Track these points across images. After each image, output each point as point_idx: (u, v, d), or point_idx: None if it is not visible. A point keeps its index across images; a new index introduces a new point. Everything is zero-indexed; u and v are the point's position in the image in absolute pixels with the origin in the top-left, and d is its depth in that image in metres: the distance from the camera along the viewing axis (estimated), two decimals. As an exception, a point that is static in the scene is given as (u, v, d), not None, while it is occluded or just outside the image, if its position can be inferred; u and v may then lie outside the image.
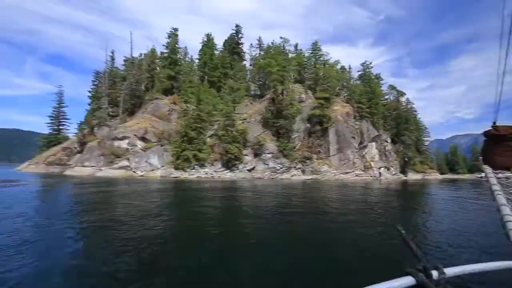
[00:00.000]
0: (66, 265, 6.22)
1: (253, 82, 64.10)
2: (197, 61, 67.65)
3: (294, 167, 47.19)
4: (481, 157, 2.82)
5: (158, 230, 9.37)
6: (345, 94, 66.55)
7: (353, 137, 54.32)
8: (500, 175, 2.51)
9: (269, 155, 46.48)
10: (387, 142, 65.58)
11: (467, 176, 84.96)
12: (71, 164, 44.75)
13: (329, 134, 51.24)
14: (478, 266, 0.91)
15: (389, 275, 0.66)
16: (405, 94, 73.02)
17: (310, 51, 69.03)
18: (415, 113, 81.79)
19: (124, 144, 45.00)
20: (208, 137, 49.25)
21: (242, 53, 70.42)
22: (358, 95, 62.10)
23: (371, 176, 55.28)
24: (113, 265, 6.08)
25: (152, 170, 42.71)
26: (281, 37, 66.97)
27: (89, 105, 60.41)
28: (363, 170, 53.97)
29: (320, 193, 25.64)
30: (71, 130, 64.08)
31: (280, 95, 50.58)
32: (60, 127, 64.05)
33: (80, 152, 46.89)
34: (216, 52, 66.96)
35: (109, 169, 41.09)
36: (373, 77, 69.77)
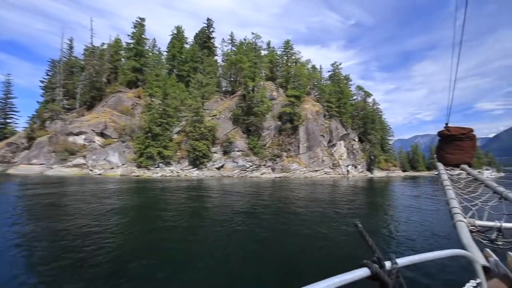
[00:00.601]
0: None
1: (224, 78, 62.52)
2: (165, 53, 64.45)
3: (264, 165, 46.61)
4: (435, 155, 3.18)
5: (108, 240, 8.00)
6: (316, 94, 67.53)
7: (323, 136, 55.13)
8: (450, 171, 2.85)
9: (239, 153, 45.41)
10: (355, 140, 67.69)
11: (426, 173, 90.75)
12: (16, 162, 39.93)
13: (299, 132, 51.41)
14: (427, 255, 0.99)
15: (348, 268, 0.69)
16: (371, 95, 76.00)
17: (282, 50, 69.10)
18: (380, 113, 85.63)
19: (80, 140, 41.22)
20: (175, 133, 46.94)
21: (214, 48, 68.38)
22: (328, 95, 63.20)
23: (339, 174, 56.55)
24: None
25: (112, 168, 39.55)
26: (252, 33, 66.00)
27: (42, 96, 54.63)
28: (331, 168, 54.98)
29: (288, 191, 25.08)
30: (20, 124, 57.86)
31: (251, 92, 49.64)
32: (7, 120, 57.43)
33: (28, 148, 42.08)
34: (187, 46, 64.30)
35: (61, 167, 37.26)
36: (342, 77, 71.62)
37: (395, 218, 12.83)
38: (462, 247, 1.39)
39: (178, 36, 63.96)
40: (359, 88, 75.15)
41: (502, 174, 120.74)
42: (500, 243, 1.67)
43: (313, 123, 53.73)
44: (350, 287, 0.66)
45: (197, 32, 68.54)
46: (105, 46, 59.18)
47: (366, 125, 71.77)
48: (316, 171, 50.89)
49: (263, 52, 68.51)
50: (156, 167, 41.85)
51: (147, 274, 5.71)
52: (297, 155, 50.15)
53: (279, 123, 51.39)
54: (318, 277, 0.58)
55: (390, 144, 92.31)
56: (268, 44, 75.58)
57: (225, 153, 45.24)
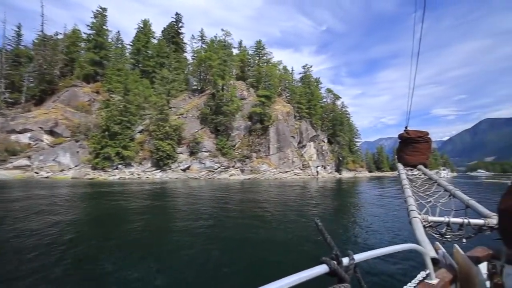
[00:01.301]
0: None
1: (193, 75, 60.07)
2: (130, 48, 60.27)
3: (233, 166, 45.14)
4: (396, 156, 3.56)
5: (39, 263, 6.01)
6: (287, 95, 67.65)
7: (293, 137, 55.06)
8: (408, 172, 3.11)
9: (206, 154, 43.45)
10: (324, 142, 68.88)
11: (390, 173, 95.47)
12: None
13: (270, 132, 50.74)
14: (383, 250, 1.06)
15: (310, 265, 0.70)
16: (340, 97, 78.18)
17: (254, 50, 68.33)
18: (349, 116, 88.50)
19: (24, 138, 36.48)
20: (138, 132, 43.72)
21: (183, 44, 65.50)
22: (298, 96, 63.54)
23: (309, 175, 56.87)
24: None
25: (62, 170, 35.48)
26: (222, 29, 64.34)
27: (-19, 89, 47.94)
28: (301, 169, 55.07)
29: (257, 193, 23.91)
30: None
31: (221, 91, 47.97)
32: None
33: (-42, 147, 36.35)
34: (155, 41, 60.72)
35: (-1, 169, 32.57)
36: (312, 80, 72.65)
37: (358, 217, 13.25)
38: (417, 241, 1.53)
39: (144, 30, 60.20)
40: (329, 90, 76.91)
41: (455, 174, 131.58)
42: (448, 236, 1.85)
43: (284, 124, 53.42)
44: (311, 283, 0.67)
45: (165, 27, 65.23)
46: (60, 36, 53.79)
47: (335, 127, 73.46)
48: (286, 172, 50.53)
49: (234, 52, 67.27)
50: (114, 169, 38.45)
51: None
52: (267, 156, 49.39)
53: (249, 123, 50.28)
54: (280, 276, 0.60)
55: (357, 146, 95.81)
56: (240, 43, 74.65)
57: (192, 153, 43.02)
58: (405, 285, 1.39)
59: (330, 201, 19.86)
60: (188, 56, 67.43)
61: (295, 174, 52.50)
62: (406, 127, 3.37)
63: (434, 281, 1.43)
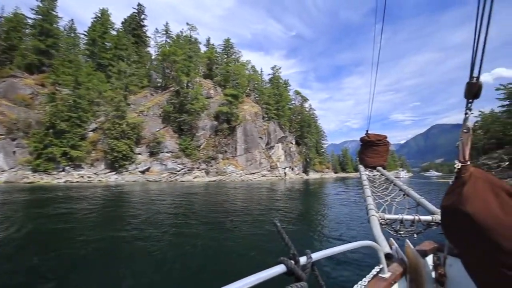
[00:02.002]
0: None
1: (156, 71, 56.40)
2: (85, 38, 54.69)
3: (197, 168, 42.79)
4: (357, 158, 3.83)
5: None
6: (256, 96, 66.78)
7: (261, 137, 54.15)
8: (368, 172, 3.36)
9: (168, 154, 40.60)
10: (292, 143, 69.12)
11: (354, 174, 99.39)
12: None
13: (237, 133, 49.21)
14: (340, 247, 1.13)
15: (270, 266, 0.72)
16: (308, 100, 79.25)
17: (222, 48, 66.49)
18: (316, 118, 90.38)
19: None
20: (91, 131, 39.47)
21: (145, 38, 61.33)
22: (267, 97, 62.98)
23: (276, 176, 56.34)
24: None
25: (-8, 173, 30.46)
26: (187, 23, 61.50)
27: None
28: (269, 170, 54.33)
29: (222, 196, 22.47)
30: None
31: (185, 88, 45.38)
32: None
33: None
34: (114, 33, 55.82)
35: None
36: (281, 81, 72.72)
37: (322, 217, 13.38)
38: (374, 237, 1.61)
39: (102, 19, 55.14)
40: (297, 92, 77.58)
41: (411, 174, 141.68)
42: (402, 232, 1.97)
43: (252, 125, 52.26)
44: (271, 283, 0.67)
45: (126, 18, 60.57)
46: (-1, 20, 46.96)
47: (303, 128, 74.22)
48: (254, 173, 49.36)
49: (202, 49, 64.84)
50: (60, 171, 34.07)
51: None
52: (234, 157, 47.78)
53: (216, 123, 48.27)
54: (240, 277, 0.61)
55: (324, 148, 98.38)
56: (208, 41, 72.25)
57: (152, 154, 39.88)
58: (361, 280, 1.51)
59: (296, 202, 19.48)
60: (152, 50, 63.52)
61: (263, 176, 51.57)
62: (367, 131, 3.62)
63: (387, 274, 1.55)
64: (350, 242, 1.27)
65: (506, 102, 53.32)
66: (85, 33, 53.69)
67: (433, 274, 1.92)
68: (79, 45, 53.99)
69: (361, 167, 3.48)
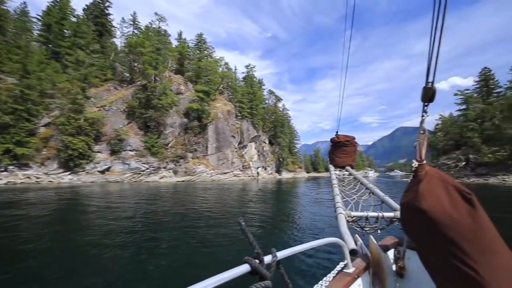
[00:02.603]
0: None
1: (122, 64, 52.41)
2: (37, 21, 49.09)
3: (165, 168, 40.20)
4: (328, 158, 3.94)
5: None
6: (230, 94, 65.12)
7: (233, 136, 52.65)
8: (338, 172, 3.53)
9: (132, 153, 37.59)
10: (265, 143, 68.47)
11: (325, 174, 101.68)
12: None
13: (208, 131, 47.24)
14: (306, 245, 1.18)
15: (236, 266, 0.72)
16: (282, 99, 79.17)
17: (195, 43, 63.93)
18: (289, 118, 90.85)
19: None
20: (43, 126, 35.22)
21: (110, 27, 56.84)
22: (240, 95, 61.66)
23: (249, 176, 55.21)
24: None
25: None
26: (156, 14, 58.10)
27: None
28: (241, 170, 53.04)
29: (191, 197, 20.89)
30: None
31: (153, 82, 42.49)
32: None
33: None
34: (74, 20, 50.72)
35: None
36: (255, 80, 71.81)
37: (292, 215, 13.32)
38: (340, 234, 1.66)
39: (60, 4, 49.96)
40: (271, 92, 77.20)
41: (378, 174, 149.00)
42: (367, 229, 2.04)
43: (224, 123, 50.57)
44: (236, 283, 0.67)
45: (88, 4, 55.64)
46: None
47: (276, 128, 73.97)
48: (225, 173, 47.74)
49: (174, 44, 61.75)
50: (2, 171, 29.83)
51: None
52: (205, 156, 45.77)
53: (186, 120, 45.87)
54: (203, 279, 0.61)
55: (297, 148, 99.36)
56: (180, 35, 69.14)
57: (113, 152, 36.62)
58: (326, 276, 1.56)
59: (267, 202, 19.02)
60: (118, 42, 59.10)
61: (235, 176, 50.13)
62: (337, 132, 3.81)
63: (351, 269, 1.60)
64: (316, 240, 1.31)
65: (463, 107, 57.35)
66: (39, 16, 48.26)
67: (394, 267, 2.01)
68: (32, 30, 48.40)
69: (331, 167, 3.60)
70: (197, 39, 64.10)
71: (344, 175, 3.42)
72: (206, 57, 58.43)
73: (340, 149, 3.72)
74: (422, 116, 1.31)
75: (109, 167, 35.67)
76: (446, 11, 1.03)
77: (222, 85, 62.42)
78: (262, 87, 77.06)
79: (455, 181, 1.21)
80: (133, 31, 58.10)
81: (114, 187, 29.68)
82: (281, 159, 73.85)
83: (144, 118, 40.61)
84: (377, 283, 1.78)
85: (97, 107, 39.45)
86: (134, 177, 36.66)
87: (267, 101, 79.20)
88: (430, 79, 1.20)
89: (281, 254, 0.92)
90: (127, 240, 8.10)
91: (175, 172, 40.72)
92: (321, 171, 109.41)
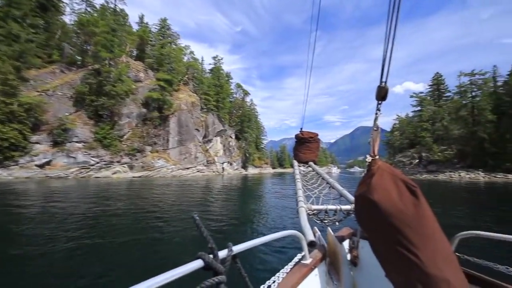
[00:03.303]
0: None
1: (71, 44, 46.38)
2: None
3: (118, 162, 36.41)
4: (292, 154, 4.06)
5: None
6: (196, 86, 61.85)
7: (198, 130, 49.99)
8: (302, 167, 3.60)
9: (79, 145, 33.26)
10: (232, 137, 66.68)
11: (290, 170, 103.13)
12: None
13: (170, 123, 44.04)
14: (263, 238, 1.20)
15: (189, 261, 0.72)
16: (249, 94, 77.83)
17: (158, 28, 59.28)
18: (257, 114, 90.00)
19: None
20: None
21: (57, 1, 49.92)
22: (206, 87, 58.88)
23: (213, 172, 53.11)
24: None
25: None
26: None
27: None
28: (205, 165, 50.73)
29: (147, 193, 19.04)
30: None
31: (107, 66, 38.09)
32: None
33: None
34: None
35: None
36: (222, 72, 69.30)
37: (254, 210, 13.04)
38: (300, 227, 1.70)
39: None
40: (238, 86, 75.35)
41: (340, 170, 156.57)
42: (326, 221, 2.10)
43: (188, 115, 47.64)
44: (192, 279, 0.68)
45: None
46: None
47: (243, 123, 72.55)
48: (188, 168, 45.11)
49: (134, 28, 56.50)
50: None
51: None
52: (166, 150, 42.61)
53: (144, 110, 42.13)
54: (157, 272, 0.61)
55: (264, 144, 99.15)
56: (141, 18, 63.70)
57: (56, 144, 31.97)
58: (283, 268, 1.56)
59: (231, 197, 18.42)
60: (68, 19, 52.21)
61: (198, 171, 47.71)
62: (301, 129, 3.94)
63: (308, 261, 1.64)
64: (275, 233, 1.34)
65: (418, 108, 61.47)
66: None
67: (349, 257, 2.08)
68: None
69: (295, 162, 3.69)
70: (160, 24, 59.53)
71: (307, 170, 3.52)
72: (169, 44, 54.39)
73: (304, 145, 3.82)
74: (376, 113, 1.36)
75: (50, 161, 31.07)
76: (398, 21, 1.12)
77: (187, 76, 58.95)
78: (230, 80, 74.96)
79: (403, 175, 1.30)
80: (86, 9, 51.85)
81: (55, 183, 25.76)
82: (247, 155, 72.73)
83: (95, 106, 36.23)
84: (332, 272, 1.82)
85: (38, 92, 34.16)
86: (81, 172, 32.50)
87: (234, 95, 77.28)
88: (384, 79, 1.26)
89: (238, 248, 0.93)
90: (69, 245, 7.01)
91: (131, 167, 37.15)
92: (287, 167, 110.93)
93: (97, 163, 34.09)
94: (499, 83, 47.27)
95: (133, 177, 35.94)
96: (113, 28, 39.88)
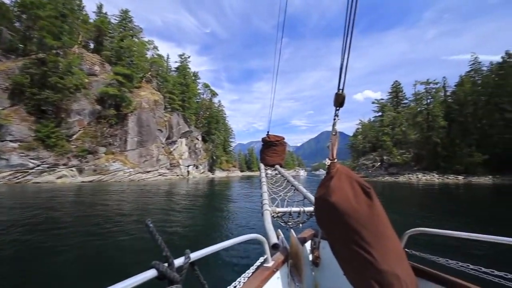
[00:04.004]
0: None
1: (10, 28, 40.22)
2: None
3: (65, 165, 31.92)
4: (259, 157, 4.07)
5: None
6: (160, 84, 57.98)
7: (160, 130, 46.54)
8: (268, 170, 3.66)
9: (15, 144, 28.37)
10: (198, 139, 63.78)
11: (258, 173, 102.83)
12: None
13: (129, 122, 40.20)
14: (224, 243, 1.18)
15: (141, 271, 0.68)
16: (217, 94, 75.56)
17: (118, 20, 54.53)
18: (225, 116, 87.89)
19: None
20: None
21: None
22: (171, 85, 55.47)
23: (177, 175, 49.91)
24: None
25: None
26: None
27: None
28: (169, 169, 47.39)
29: (98, 200, 16.34)
30: None
31: (53, 56, 33.43)
32: None
33: None
34: None
35: None
36: (189, 70, 66.22)
37: (219, 215, 12.64)
38: (264, 230, 1.71)
39: None
40: (206, 85, 72.73)
41: (307, 173, 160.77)
42: (290, 223, 2.12)
43: (149, 114, 44.08)
44: None
45: None
46: None
47: (211, 124, 70.04)
48: (149, 172, 41.55)
49: (92, 19, 51.22)
50: None
51: None
52: (123, 151, 38.70)
53: (99, 107, 37.86)
54: (108, 282, 0.58)
55: (232, 147, 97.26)
56: (100, 8, 58.25)
57: (-16, 143, 26.91)
58: (244, 272, 1.53)
59: (195, 202, 17.32)
60: (8, 1, 45.49)
61: (160, 175, 44.31)
62: (268, 132, 4.00)
63: (270, 263, 1.61)
64: (236, 237, 1.33)
65: (379, 114, 64.66)
66: None
67: (310, 257, 2.09)
68: None
69: (262, 165, 3.71)
70: (121, 16, 54.86)
71: (273, 173, 3.63)
72: (131, 37, 50.18)
73: (271, 148, 3.88)
74: (334, 119, 1.41)
75: (-26, 163, 25.99)
76: (353, 33, 1.21)
77: (150, 73, 54.99)
78: (197, 80, 71.98)
79: (359, 177, 1.35)
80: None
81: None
82: (214, 157, 70.19)
83: (38, 100, 31.43)
84: (294, 273, 1.82)
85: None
86: (16, 177, 27.69)
87: (202, 95, 74.40)
88: (341, 87, 1.32)
89: (196, 254, 0.91)
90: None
91: (80, 171, 32.81)
92: (255, 170, 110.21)
93: (38, 166, 29.41)
94: (448, 93, 51.56)
95: (83, 182, 31.75)
96: (62, 13, 35.24)
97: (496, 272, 1.36)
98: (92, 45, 50.26)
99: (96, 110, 37.42)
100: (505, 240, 1.33)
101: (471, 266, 1.46)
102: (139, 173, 39.10)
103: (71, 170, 32.06)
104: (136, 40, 52.04)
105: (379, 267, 1.10)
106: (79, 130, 35.07)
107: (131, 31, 53.43)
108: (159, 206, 15.19)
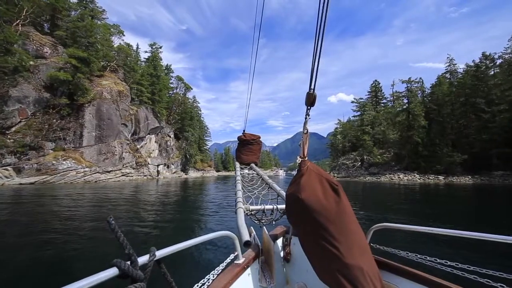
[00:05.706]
0: None
1: None
2: None
3: (-2, 163, 25.96)
4: (235, 156, 3.96)
5: None
6: (125, 72, 52.03)
7: (125, 125, 41.14)
8: (244, 169, 3.66)
9: None
10: (170, 137, 58.61)
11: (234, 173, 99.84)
12: None
13: (85, 114, 34.52)
14: (192, 241, 1.18)
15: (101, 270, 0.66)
16: (191, 88, 70.50)
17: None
18: (200, 112, 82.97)
19: None
20: None
21: None
22: (139, 75, 49.94)
23: (145, 176, 44.73)
24: None
25: None
26: None
27: None
28: (134, 168, 42.12)
29: (39, 207, 12.44)
30: None
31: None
32: None
33: None
34: None
35: None
36: (160, 61, 60.70)
37: (192, 214, 11.87)
38: (237, 227, 1.70)
39: None
40: (179, 78, 67.49)
41: (285, 173, 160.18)
42: (263, 221, 2.12)
43: (112, 106, 38.57)
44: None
45: None
46: None
47: (184, 121, 65.04)
48: (109, 172, 36.16)
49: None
50: None
51: None
52: (78, 148, 33.01)
53: (48, 95, 31.89)
54: (65, 281, 0.56)
55: (207, 146, 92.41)
56: (56, -15, 50.97)
57: None
58: (214, 270, 1.50)
59: (165, 205, 15.30)
60: None
61: (124, 175, 39.02)
62: (244, 131, 3.98)
63: (241, 260, 1.62)
64: (206, 234, 1.34)
65: (358, 113, 63.91)
66: None
67: (282, 254, 2.13)
68: None
69: (237, 164, 3.70)
70: (81, -5, 48.22)
71: (248, 171, 3.64)
72: (91, 18, 43.96)
73: (246, 147, 3.87)
74: (306, 118, 1.43)
75: None
76: (325, 37, 1.24)
77: (115, 61, 49.00)
78: (171, 74, 66.54)
79: (328, 175, 1.38)
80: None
81: None
82: (188, 156, 65.25)
83: (-39, 82, 25.21)
84: (266, 270, 1.83)
85: None
86: None
87: (175, 89, 68.99)
88: (312, 87, 1.35)
89: (162, 252, 0.90)
90: None
91: (19, 170, 26.91)
92: (231, 170, 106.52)
93: (-42, 164, 23.35)
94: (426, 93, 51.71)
95: (21, 184, 26.01)
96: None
97: (449, 263, 1.42)
98: (47, 28, 43.54)
99: (44, 99, 31.45)
100: (456, 233, 1.39)
101: (428, 258, 1.51)
102: (97, 173, 33.65)
103: (6, 169, 26.12)
104: (98, 22, 45.83)
105: (344, 261, 1.14)
106: (20, 121, 29.04)
107: (91, 12, 47.10)
108: (121, 209, 12.96)
